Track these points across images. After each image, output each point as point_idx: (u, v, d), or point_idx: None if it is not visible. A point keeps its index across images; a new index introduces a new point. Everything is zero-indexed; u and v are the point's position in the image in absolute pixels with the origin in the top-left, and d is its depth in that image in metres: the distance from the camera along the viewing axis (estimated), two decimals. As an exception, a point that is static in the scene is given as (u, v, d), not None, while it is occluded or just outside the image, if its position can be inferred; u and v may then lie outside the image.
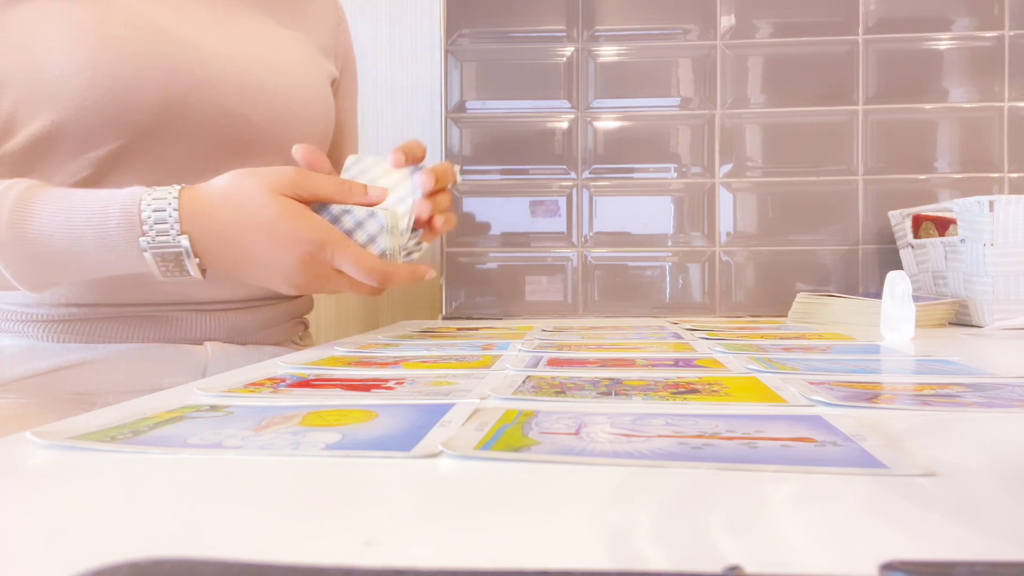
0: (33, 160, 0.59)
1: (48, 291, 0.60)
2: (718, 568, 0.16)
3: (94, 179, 0.61)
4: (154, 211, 0.53)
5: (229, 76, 0.64)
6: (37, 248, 0.53)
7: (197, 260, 0.54)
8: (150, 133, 0.61)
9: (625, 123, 1.14)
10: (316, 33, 0.78)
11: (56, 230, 0.52)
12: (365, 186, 0.60)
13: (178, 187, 0.54)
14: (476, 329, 0.86)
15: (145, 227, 0.53)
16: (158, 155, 0.62)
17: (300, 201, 0.56)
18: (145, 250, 0.53)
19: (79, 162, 0.60)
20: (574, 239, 1.15)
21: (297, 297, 0.79)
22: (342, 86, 0.84)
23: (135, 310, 0.65)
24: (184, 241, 0.53)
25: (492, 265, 1.16)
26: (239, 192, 0.54)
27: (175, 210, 0.53)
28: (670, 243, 1.14)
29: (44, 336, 0.63)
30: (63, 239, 0.53)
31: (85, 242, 0.53)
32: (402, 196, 0.63)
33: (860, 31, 1.11)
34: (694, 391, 0.40)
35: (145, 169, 0.62)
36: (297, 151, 0.61)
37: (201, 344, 0.68)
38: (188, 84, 0.61)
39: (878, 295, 0.75)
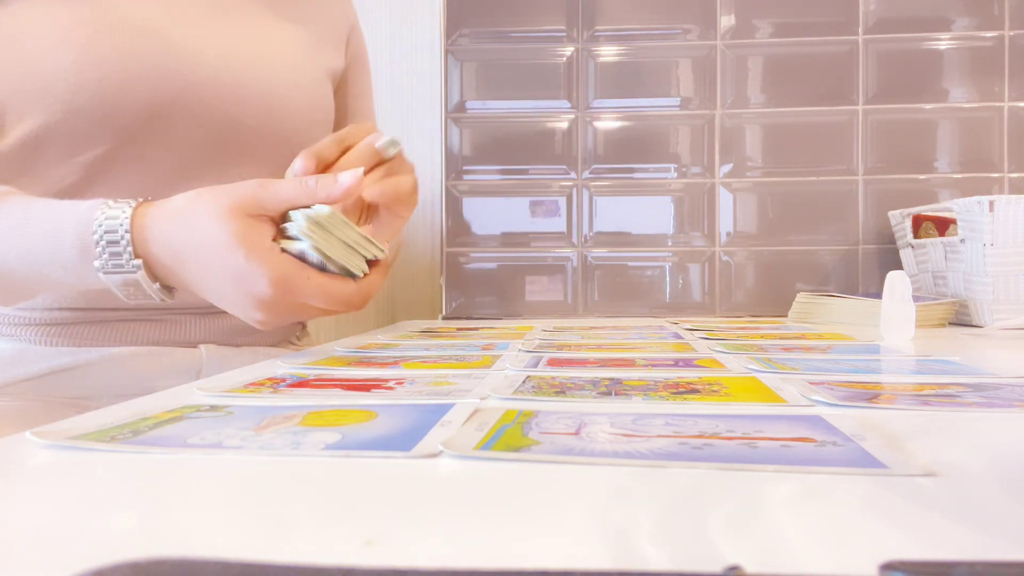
0: (23, 163, 0.58)
1: (23, 303, 0.57)
2: (718, 568, 0.16)
3: (83, 184, 0.59)
4: (106, 232, 0.48)
5: (221, 78, 0.63)
6: None
7: (157, 285, 0.50)
8: (139, 137, 0.59)
9: (625, 123, 1.14)
10: (320, 23, 0.76)
11: (11, 248, 0.49)
12: (334, 177, 0.51)
13: (132, 205, 0.49)
14: (476, 329, 0.86)
15: (98, 249, 0.48)
16: (148, 159, 0.61)
17: (269, 216, 0.50)
18: (100, 272, 0.49)
19: (67, 166, 0.59)
20: (574, 239, 1.15)
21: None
22: (353, 73, 0.82)
23: (128, 314, 0.64)
24: (137, 265, 0.48)
25: (492, 265, 1.16)
26: (194, 214, 0.49)
27: (127, 232, 0.48)
28: (670, 243, 1.14)
29: (35, 339, 0.62)
30: (18, 257, 0.49)
31: (42, 263, 0.49)
32: None
33: (860, 31, 1.11)
34: (694, 391, 0.40)
35: (135, 173, 0.60)
36: (298, 163, 0.54)
37: (196, 347, 0.67)
38: (178, 87, 0.60)
39: (878, 295, 0.75)
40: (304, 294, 0.49)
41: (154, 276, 0.50)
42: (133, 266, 0.49)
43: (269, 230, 0.50)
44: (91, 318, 0.63)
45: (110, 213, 0.49)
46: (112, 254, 0.48)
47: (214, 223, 0.48)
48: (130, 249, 0.48)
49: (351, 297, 0.51)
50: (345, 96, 0.80)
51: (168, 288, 0.52)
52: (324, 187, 0.51)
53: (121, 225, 0.48)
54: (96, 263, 0.49)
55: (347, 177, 0.51)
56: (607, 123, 1.14)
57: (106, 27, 0.58)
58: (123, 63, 0.58)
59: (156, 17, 0.61)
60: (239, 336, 0.71)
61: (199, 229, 0.48)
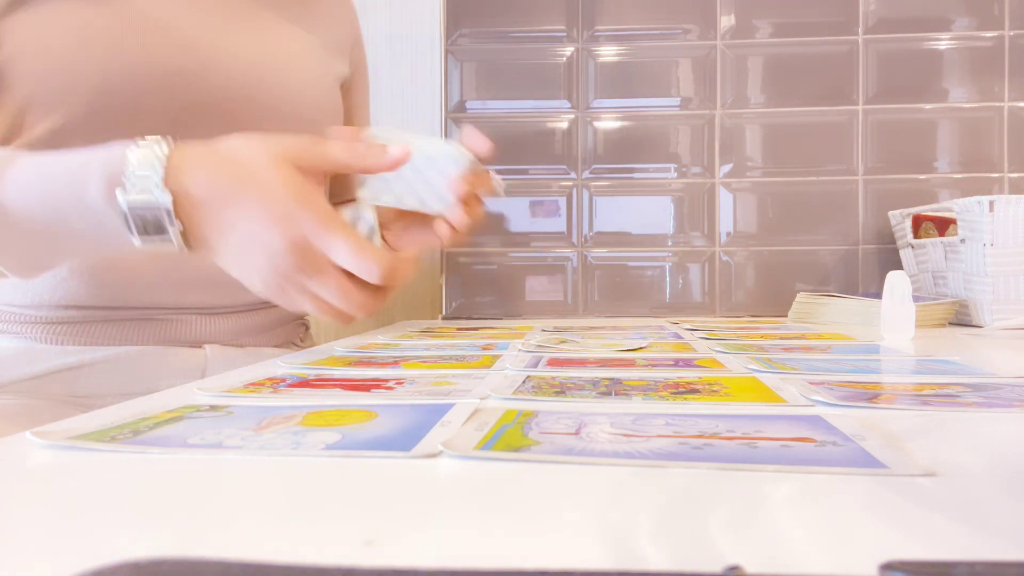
0: None
1: (40, 274, 0.55)
2: (718, 568, 0.16)
3: None
4: (139, 161, 0.45)
5: (240, 81, 0.64)
6: (14, 218, 0.48)
7: (180, 227, 0.46)
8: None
9: (625, 123, 1.14)
10: (329, 31, 0.78)
11: (33, 194, 0.47)
12: (384, 147, 0.50)
13: (169, 143, 0.47)
14: (476, 329, 0.86)
15: (125, 177, 0.45)
16: None
17: (312, 173, 0.49)
18: (123, 207, 0.45)
19: None
20: (574, 239, 1.15)
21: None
22: (355, 83, 0.83)
23: (133, 313, 0.65)
24: (165, 198, 0.45)
25: (492, 265, 1.16)
26: (241, 152, 0.47)
27: (165, 155, 0.46)
28: (670, 243, 1.14)
29: (42, 338, 0.63)
30: (38, 195, 0.47)
31: (62, 204, 0.47)
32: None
33: (860, 31, 1.11)
34: (694, 391, 0.40)
35: None
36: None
37: (200, 347, 0.67)
38: (200, 91, 0.61)
39: (878, 295, 0.75)
40: (339, 248, 0.46)
41: (178, 215, 0.46)
42: (159, 200, 0.45)
43: (318, 188, 0.48)
44: (97, 317, 0.64)
45: (144, 144, 0.47)
46: (141, 188, 0.45)
47: (264, 163, 0.46)
48: (161, 181, 0.45)
49: (386, 263, 0.47)
50: (349, 106, 0.81)
51: (187, 239, 0.48)
52: (373, 156, 0.50)
53: (157, 157, 0.46)
54: (118, 194, 0.45)
55: (397, 150, 0.51)
56: (607, 123, 1.14)
57: (132, 28, 0.58)
58: (149, 65, 0.58)
59: (179, 20, 0.61)
60: (243, 336, 0.71)
61: (244, 165, 0.46)
